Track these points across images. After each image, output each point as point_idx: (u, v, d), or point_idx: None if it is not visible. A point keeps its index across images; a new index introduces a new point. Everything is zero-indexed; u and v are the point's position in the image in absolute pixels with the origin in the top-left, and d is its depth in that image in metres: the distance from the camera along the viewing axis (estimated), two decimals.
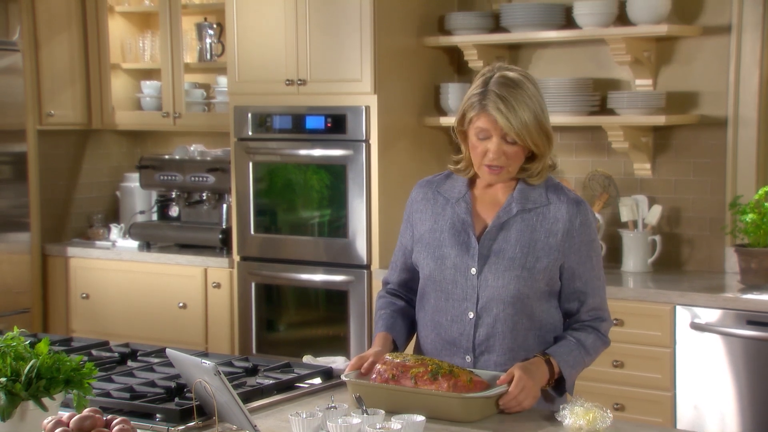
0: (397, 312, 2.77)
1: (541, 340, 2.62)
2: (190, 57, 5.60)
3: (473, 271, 2.59)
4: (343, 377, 2.56)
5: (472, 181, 2.68)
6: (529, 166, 2.60)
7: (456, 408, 2.39)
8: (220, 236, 5.29)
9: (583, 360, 2.62)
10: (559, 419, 2.37)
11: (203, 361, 2.31)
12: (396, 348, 2.72)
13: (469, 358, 2.62)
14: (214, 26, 5.55)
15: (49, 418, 2.22)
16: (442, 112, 4.96)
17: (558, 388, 2.61)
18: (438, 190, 2.70)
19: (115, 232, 5.69)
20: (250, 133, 5.01)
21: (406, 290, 2.82)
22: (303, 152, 4.87)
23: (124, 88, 5.82)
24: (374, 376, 2.50)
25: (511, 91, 2.50)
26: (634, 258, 4.55)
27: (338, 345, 4.81)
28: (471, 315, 2.60)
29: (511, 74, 2.53)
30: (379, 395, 2.44)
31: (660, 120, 4.46)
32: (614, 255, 4.66)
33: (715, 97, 4.54)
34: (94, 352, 3.11)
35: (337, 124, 4.76)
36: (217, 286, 5.15)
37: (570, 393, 2.65)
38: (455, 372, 2.43)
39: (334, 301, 4.87)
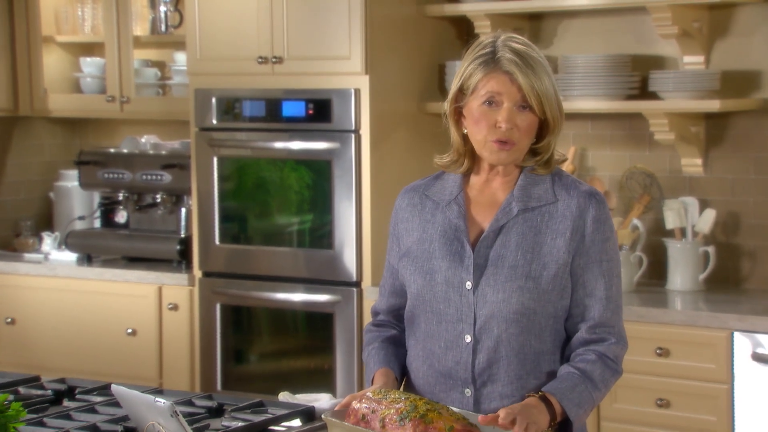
0: (388, 342, 2.78)
1: (557, 366, 2.62)
2: (140, 29, 5.59)
3: (468, 285, 2.61)
4: (323, 416, 2.57)
5: (466, 181, 2.70)
6: (538, 147, 2.63)
7: None
8: (178, 247, 5.28)
9: (591, 396, 2.59)
10: None
11: (157, 399, 2.31)
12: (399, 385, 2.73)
13: (469, 392, 2.62)
14: None
15: None
16: (447, 96, 4.95)
17: (562, 430, 2.61)
18: (426, 194, 2.73)
19: (48, 242, 5.68)
20: (214, 122, 5.00)
21: (398, 319, 2.83)
22: (279, 145, 4.87)
23: (60, 66, 5.81)
24: (350, 415, 2.53)
25: (525, 50, 2.60)
26: (682, 274, 4.56)
27: (322, 379, 4.81)
28: (468, 339, 2.61)
29: (517, 38, 2.63)
30: None
31: (714, 105, 4.47)
32: (658, 270, 4.67)
33: None
34: (21, 389, 3.10)
35: (320, 111, 4.76)
36: (174, 308, 5.15)
37: None
38: (429, 417, 2.42)
39: (317, 326, 4.87)
